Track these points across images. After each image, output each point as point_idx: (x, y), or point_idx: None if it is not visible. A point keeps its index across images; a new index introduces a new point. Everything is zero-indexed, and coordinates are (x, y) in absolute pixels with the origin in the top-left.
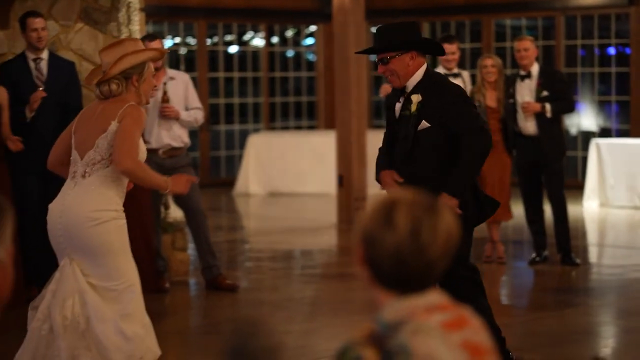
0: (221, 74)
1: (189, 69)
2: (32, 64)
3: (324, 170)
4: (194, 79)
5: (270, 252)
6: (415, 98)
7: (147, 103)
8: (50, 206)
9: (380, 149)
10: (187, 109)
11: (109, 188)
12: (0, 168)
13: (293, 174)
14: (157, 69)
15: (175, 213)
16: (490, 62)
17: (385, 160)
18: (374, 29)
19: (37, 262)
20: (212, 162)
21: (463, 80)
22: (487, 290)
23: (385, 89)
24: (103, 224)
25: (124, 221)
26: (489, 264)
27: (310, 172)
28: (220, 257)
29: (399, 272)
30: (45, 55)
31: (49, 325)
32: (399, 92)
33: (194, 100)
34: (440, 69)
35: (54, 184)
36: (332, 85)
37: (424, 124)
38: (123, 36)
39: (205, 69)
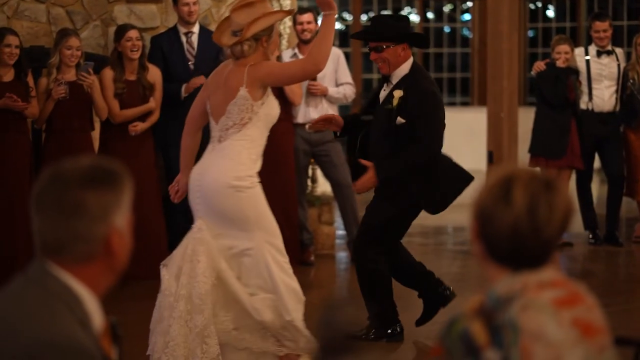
0: None
1: (344, 44)
2: (183, 38)
3: (475, 147)
4: (348, 54)
5: (420, 228)
6: (397, 94)
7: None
8: (193, 169)
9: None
10: (337, 84)
11: (242, 152)
12: (147, 142)
13: (445, 150)
14: (305, 42)
15: (324, 187)
16: None
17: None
18: (532, 5)
19: (183, 230)
20: None
21: (617, 57)
22: (635, 271)
23: (539, 66)
24: (239, 194)
25: (259, 188)
26: (638, 244)
27: (462, 148)
28: None
29: (514, 249)
30: (196, 29)
31: (187, 291)
32: (384, 79)
33: (345, 76)
34: (593, 47)
35: (199, 155)
36: (485, 62)
37: (400, 119)
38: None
39: (360, 44)
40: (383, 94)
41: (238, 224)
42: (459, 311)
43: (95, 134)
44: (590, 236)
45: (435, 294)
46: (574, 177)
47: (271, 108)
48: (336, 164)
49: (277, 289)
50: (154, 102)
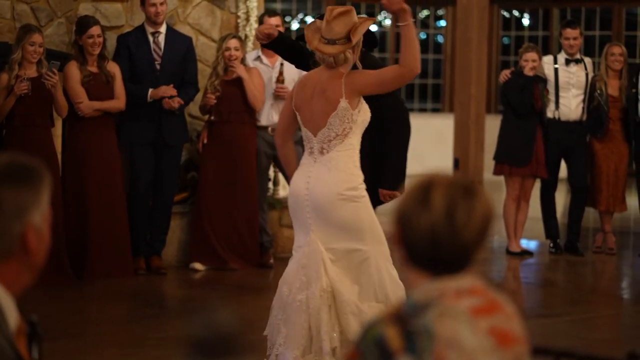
0: None
1: None
2: (150, 38)
3: (443, 153)
4: None
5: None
6: None
7: None
8: (293, 183)
9: None
10: None
11: (349, 162)
12: (110, 140)
13: (412, 155)
14: None
15: (285, 190)
16: (618, 50)
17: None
18: (506, 13)
19: (145, 233)
20: None
21: (585, 67)
22: (595, 281)
23: (505, 74)
24: (354, 203)
25: (367, 196)
26: (599, 254)
27: (430, 154)
28: None
29: (433, 253)
30: (163, 29)
31: (305, 296)
32: None
33: None
34: (562, 55)
35: (164, 156)
36: (454, 70)
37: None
38: (240, 13)
39: None
40: None
41: (353, 233)
42: (376, 317)
43: (55, 131)
44: (551, 245)
45: None
46: (538, 185)
47: (366, 113)
48: None
49: (389, 299)
50: (119, 103)
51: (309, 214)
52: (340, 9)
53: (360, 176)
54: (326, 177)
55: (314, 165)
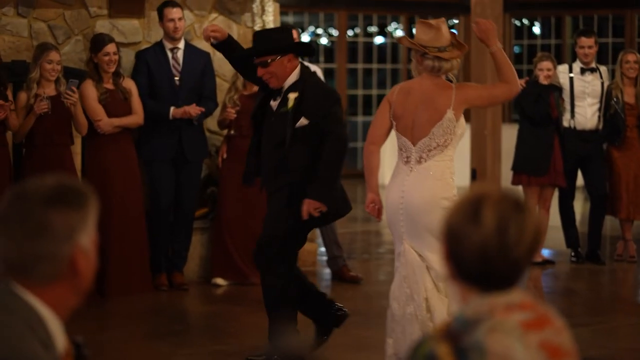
0: (360, 65)
1: (328, 59)
2: (169, 54)
3: (458, 164)
4: (331, 70)
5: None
6: (292, 95)
7: None
8: (389, 193)
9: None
10: None
11: (446, 172)
12: (130, 156)
13: None
14: None
15: None
16: (633, 58)
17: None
18: (517, 22)
19: (167, 249)
20: (349, 153)
21: (600, 75)
22: (617, 289)
23: (520, 83)
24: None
25: None
26: (620, 262)
27: None
28: (354, 248)
29: (483, 270)
30: (182, 45)
31: (413, 308)
32: (275, 92)
33: None
34: (577, 64)
35: (184, 172)
36: (470, 78)
37: (303, 120)
38: (257, 27)
39: (345, 60)
40: (275, 104)
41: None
42: (427, 333)
43: (75, 148)
44: (572, 254)
45: (327, 316)
46: (556, 194)
47: (463, 127)
48: None
49: None
50: (138, 118)
51: (402, 222)
52: (436, 20)
53: (455, 188)
54: (423, 185)
55: (410, 174)
